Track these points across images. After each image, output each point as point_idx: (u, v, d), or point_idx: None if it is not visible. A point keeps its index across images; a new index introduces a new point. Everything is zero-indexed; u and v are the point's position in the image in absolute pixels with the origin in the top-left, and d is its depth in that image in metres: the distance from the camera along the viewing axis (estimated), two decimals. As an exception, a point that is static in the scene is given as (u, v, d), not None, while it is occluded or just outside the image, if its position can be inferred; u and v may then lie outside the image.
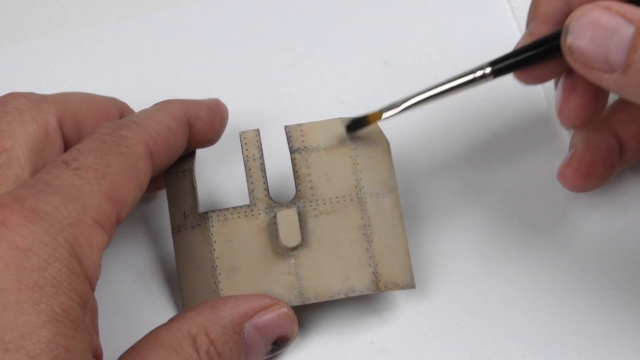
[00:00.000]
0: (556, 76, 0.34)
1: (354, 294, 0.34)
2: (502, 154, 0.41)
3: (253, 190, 0.35)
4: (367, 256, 0.34)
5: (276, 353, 0.35)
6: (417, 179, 0.40)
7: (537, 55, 0.32)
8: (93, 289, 0.29)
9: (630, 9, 0.29)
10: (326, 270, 0.34)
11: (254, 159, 0.35)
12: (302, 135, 0.35)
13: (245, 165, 0.35)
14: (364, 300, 0.37)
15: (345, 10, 0.46)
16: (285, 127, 0.35)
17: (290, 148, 0.35)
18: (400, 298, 0.37)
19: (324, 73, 0.44)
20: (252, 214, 0.34)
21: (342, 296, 0.34)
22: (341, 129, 0.35)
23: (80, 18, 0.47)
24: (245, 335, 0.33)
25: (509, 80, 0.34)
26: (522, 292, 0.37)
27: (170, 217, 0.36)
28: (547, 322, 0.36)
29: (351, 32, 0.45)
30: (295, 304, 0.34)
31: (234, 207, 0.35)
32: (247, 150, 0.35)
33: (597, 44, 0.29)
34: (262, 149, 0.35)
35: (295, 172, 0.35)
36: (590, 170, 0.36)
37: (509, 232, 0.39)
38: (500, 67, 0.33)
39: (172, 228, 0.36)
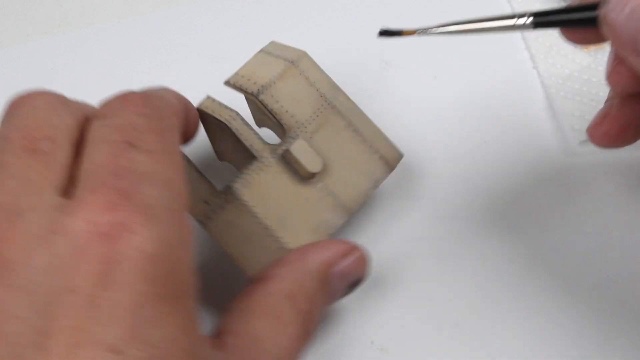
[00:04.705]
0: (602, 42, 0.32)
1: (379, 183, 0.36)
2: (501, 153, 0.41)
3: (251, 145, 0.35)
4: (368, 146, 0.36)
5: (347, 295, 0.34)
6: (415, 175, 0.40)
7: (581, 20, 0.30)
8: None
9: None
10: (350, 177, 0.36)
11: (234, 118, 0.35)
12: (248, 80, 0.36)
13: (230, 127, 0.35)
14: (364, 300, 0.37)
15: (345, 11, 0.46)
16: (226, 82, 0.36)
17: (252, 93, 0.35)
18: (401, 297, 0.37)
19: (324, 73, 0.44)
20: (265, 165, 0.35)
21: (372, 190, 0.36)
22: (270, 58, 0.36)
23: (80, 18, 0.47)
24: (330, 284, 0.33)
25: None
26: (522, 292, 0.37)
27: (191, 211, 0.35)
28: (547, 321, 0.36)
29: (351, 32, 0.45)
30: (345, 219, 0.35)
31: (247, 168, 0.35)
32: (220, 115, 0.35)
33: (631, 24, 0.26)
34: (230, 107, 0.35)
35: (270, 110, 0.35)
36: (619, 134, 0.34)
37: (508, 232, 0.39)
38: (541, 20, 0.30)
39: (199, 221, 0.35)
